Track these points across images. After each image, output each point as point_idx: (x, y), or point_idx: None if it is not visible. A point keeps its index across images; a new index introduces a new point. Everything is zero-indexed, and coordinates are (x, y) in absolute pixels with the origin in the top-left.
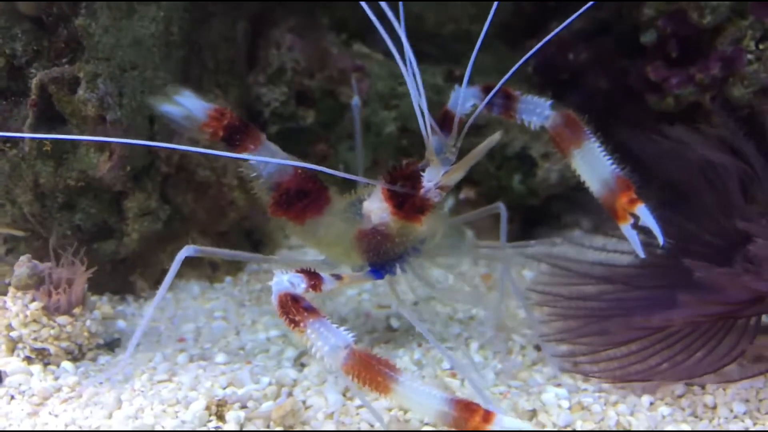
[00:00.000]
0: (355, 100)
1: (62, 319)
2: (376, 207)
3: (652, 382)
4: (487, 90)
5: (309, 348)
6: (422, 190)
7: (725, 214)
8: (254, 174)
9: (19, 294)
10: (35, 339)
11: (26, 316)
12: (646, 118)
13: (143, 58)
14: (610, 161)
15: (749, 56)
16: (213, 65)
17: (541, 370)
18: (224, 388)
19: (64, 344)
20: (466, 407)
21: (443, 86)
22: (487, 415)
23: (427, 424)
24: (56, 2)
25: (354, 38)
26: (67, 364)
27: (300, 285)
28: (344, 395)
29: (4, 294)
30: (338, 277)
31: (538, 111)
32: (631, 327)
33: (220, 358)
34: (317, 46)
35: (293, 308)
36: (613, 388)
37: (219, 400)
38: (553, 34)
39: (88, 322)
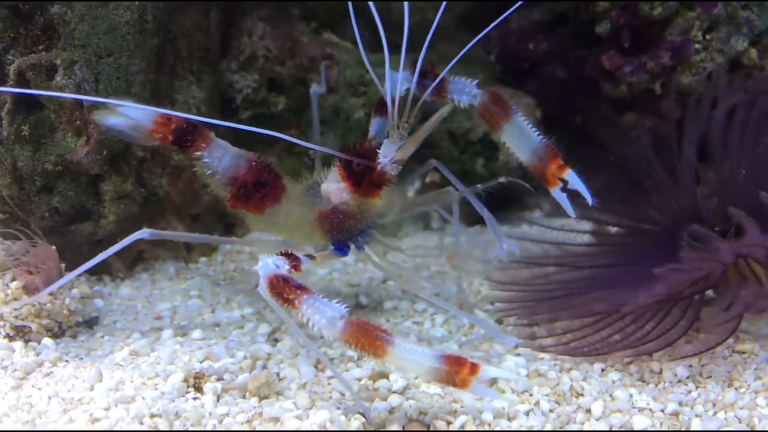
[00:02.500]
0: (314, 88)
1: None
2: (335, 188)
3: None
4: (419, 74)
5: (305, 323)
6: (379, 166)
7: (674, 194)
8: (209, 171)
9: None
10: (16, 317)
11: (7, 295)
12: (601, 105)
13: (118, 45)
14: (538, 133)
15: (697, 46)
16: (187, 53)
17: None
18: (201, 362)
19: (45, 322)
20: (456, 361)
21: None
22: (474, 367)
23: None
24: None
25: (323, 27)
26: (47, 341)
27: (284, 266)
28: (316, 367)
29: None
30: (311, 257)
31: (467, 90)
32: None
33: (197, 334)
34: (288, 35)
35: (285, 288)
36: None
37: (196, 372)
38: (496, 22)
39: (67, 301)
